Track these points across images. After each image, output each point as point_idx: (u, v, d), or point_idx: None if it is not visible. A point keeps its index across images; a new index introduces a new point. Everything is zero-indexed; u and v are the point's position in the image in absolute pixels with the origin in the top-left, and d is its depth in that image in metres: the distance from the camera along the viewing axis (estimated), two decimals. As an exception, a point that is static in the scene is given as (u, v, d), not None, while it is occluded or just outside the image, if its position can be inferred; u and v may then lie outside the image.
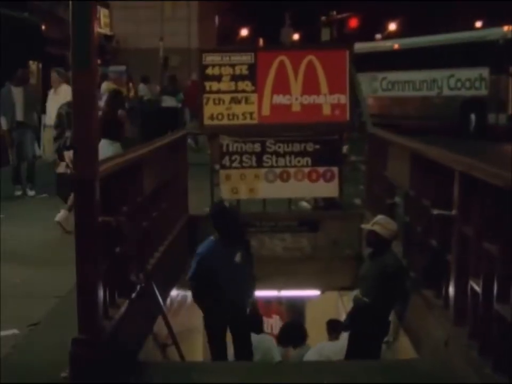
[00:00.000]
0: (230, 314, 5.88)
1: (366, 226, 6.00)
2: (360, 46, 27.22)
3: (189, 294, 8.10)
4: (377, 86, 23.80)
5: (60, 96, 10.02)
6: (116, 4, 28.61)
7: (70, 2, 4.09)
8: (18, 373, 4.25)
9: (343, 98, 7.86)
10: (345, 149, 9.41)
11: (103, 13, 21.63)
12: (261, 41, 52.11)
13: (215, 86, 7.95)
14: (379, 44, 25.46)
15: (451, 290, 4.38)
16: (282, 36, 34.92)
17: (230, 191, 8.17)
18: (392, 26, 55.49)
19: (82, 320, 4.11)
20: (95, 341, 4.11)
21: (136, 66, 23.22)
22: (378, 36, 58.13)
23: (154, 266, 5.68)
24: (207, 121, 8.05)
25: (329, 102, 7.87)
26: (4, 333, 4.75)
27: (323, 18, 42.90)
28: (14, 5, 14.66)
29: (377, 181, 7.42)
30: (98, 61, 20.31)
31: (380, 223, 5.79)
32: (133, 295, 4.91)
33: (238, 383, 4.23)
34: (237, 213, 6.20)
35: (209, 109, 7.98)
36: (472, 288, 4.00)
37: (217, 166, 8.22)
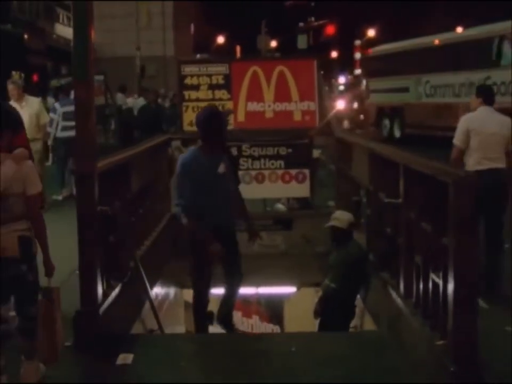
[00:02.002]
0: (215, 228, 5.61)
1: (327, 224, 6.86)
2: (400, 44, 23.92)
3: (171, 291, 8.94)
4: (421, 91, 21.34)
5: (28, 108, 9.90)
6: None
7: (73, 28, 4.99)
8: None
9: (313, 105, 8.81)
10: (317, 153, 10.33)
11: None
12: (238, 49, 53.04)
13: (193, 94, 8.85)
14: (421, 41, 22.11)
15: (401, 268, 5.30)
16: (258, 43, 35.86)
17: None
18: (371, 32, 56.72)
19: (84, 296, 5.00)
20: (95, 313, 5.00)
21: (112, 75, 23.97)
22: (357, 42, 59.32)
23: (142, 257, 6.55)
24: (186, 127, 8.94)
25: (300, 108, 8.80)
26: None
27: (301, 24, 43.93)
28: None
29: (344, 181, 8.35)
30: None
31: (336, 218, 6.74)
32: (125, 279, 5.79)
33: (219, 350, 5.11)
34: (226, 120, 5.97)
35: (189, 116, 8.87)
36: (416, 264, 4.92)
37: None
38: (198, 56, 50.97)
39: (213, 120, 5.71)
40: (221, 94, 8.83)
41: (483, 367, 3.93)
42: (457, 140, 6.36)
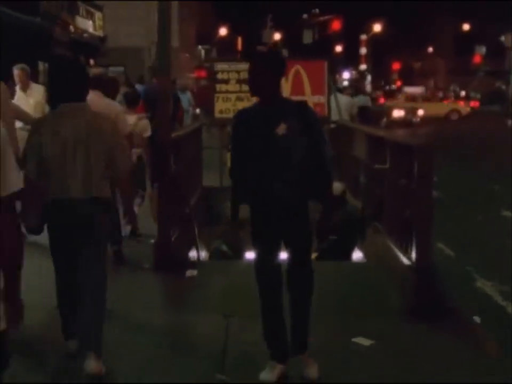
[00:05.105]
0: (271, 205, 4.79)
1: None
2: None
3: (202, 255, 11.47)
4: None
5: (33, 97, 10.09)
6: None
7: (157, 35, 7.60)
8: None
9: (322, 98, 11.44)
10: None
11: (97, 16, 25.03)
12: (239, 41, 55.48)
13: (224, 87, 11.46)
14: None
15: (386, 214, 7.91)
16: (264, 37, 38.40)
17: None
18: (377, 27, 59.36)
19: (160, 230, 7.60)
20: (169, 243, 7.59)
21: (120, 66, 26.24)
22: (363, 37, 61.94)
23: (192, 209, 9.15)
24: (217, 115, 11.57)
25: (312, 101, 11.39)
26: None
27: (304, 16, 46.46)
28: (26, 11, 18.01)
29: (347, 159, 10.98)
30: (92, 62, 23.54)
31: None
32: (183, 223, 8.41)
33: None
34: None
35: (219, 105, 11.49)
36: (396, 210, 7.52)
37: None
38: (199, 47, 53.55)
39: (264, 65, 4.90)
40: (247, 87, 11.37)
41: (434, 268, 6.51)
42: None
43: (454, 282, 7.78)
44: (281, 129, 4.72)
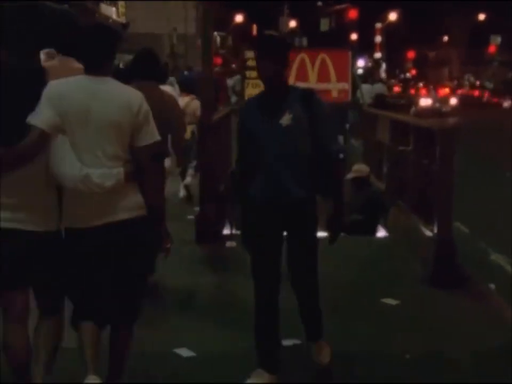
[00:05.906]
0: (271, 203, 4.59)
1: (348, 177, 10.18)
2: None
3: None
4: None
5: None
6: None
7: (201, 31, 8.40)
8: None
9: (346, 85, 12.18)
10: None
11: (120, 4, 25.81)
12: (253, 28, 56.02)
13: (253, 74, 12.17)
14: None
15: (409, 193, 8.67)
16: (281, 25, 39.07)
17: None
18: (393, 16, 59.85)
19: (201, 203, 8.40)
20: (208, 217, 8.38)
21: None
22: (378, 25, 62.38)
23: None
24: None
25: (337, 88, 12.16)
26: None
27: (319, 3, 47.04)
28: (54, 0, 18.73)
29: (370, 143, 11.75)
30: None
31: (357, 170, 10.10)
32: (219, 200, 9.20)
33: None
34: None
35: (249, 91, 12.23)
36: (418, 188, 8.28)
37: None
38: (215, 34, 54.08)
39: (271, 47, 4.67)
40: (275, 74, 12.16)
41: (453, 241, 7.26)
42: None
43: (470, 255, 8.52)
44: (286, 119, 4.53)
